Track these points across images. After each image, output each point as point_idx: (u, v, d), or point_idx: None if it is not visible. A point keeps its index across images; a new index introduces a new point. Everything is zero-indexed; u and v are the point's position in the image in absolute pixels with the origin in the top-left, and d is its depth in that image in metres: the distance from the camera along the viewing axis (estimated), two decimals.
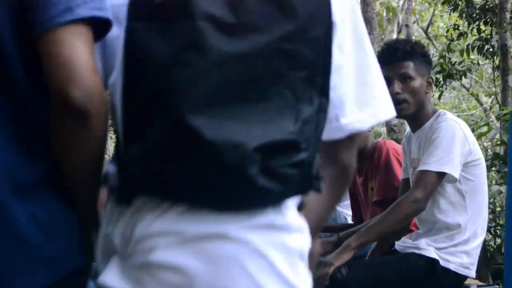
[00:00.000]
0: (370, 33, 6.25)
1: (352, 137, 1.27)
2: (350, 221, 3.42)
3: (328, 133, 1.22)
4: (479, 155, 2.56)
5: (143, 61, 1.06)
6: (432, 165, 2.46)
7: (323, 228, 3.04)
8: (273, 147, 1.08)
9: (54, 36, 1.03)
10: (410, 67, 2.60)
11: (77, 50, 1.04)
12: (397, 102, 2.56)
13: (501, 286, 3.15)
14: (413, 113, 2.62)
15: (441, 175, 2.47)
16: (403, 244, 2.62)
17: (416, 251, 2.53)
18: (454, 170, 2.45)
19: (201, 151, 1.05)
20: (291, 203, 1.16)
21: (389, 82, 2.54)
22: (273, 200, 1.12)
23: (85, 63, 1.04)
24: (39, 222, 1.08)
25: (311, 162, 1.14)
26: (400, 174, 2.83)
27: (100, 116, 1.06)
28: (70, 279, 1.12)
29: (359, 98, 1.26)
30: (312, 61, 1.13)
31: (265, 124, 1.08)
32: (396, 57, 2.60)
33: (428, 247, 2.52)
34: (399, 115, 2.62)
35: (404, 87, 2.58)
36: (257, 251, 1.12)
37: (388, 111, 1.29)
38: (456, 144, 2.49)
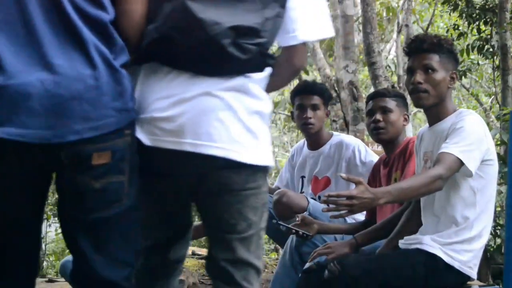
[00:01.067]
0: (370, 33, 6.28)
1: (303, 45, 1.87)
2: (348, 221, 3.44)
3: (287, 41, 1.84)
4: (494, 156, 2.58)
5: None
6: (454, 149, 2.46)
7: (336, 231, 3.25)
8: (241, 29, 1.68)
9: None
10: (434, 59, 2.62)
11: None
12: (418, 91, 2.61)
13: (501, 286, 3.14)
14: (432, 104, 2.64)
15: (460, 163, 2.47)
16: (405, 241, 2.62)
17: (419, 246, 2.53)
18: (471, 163, 2.46)
19: (192, 24, 1.65)
20: (256, 84, 1.77)
21: (412, 71, 2.63)
22: (240, 67, 1.72)
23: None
24: (119, 86, 1.66)
25: (268, 47, 1.76)
26: None
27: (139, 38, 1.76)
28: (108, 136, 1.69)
29: (310, 19, 1.85)
30: None
31: (240, 15, 1.69)
32: (421, 48, 2.64)
33: (432, 243, 2.52)
34: (418, 104, 2.66)
35: (426, 78, 2.60)
36: (228, 105, 1.73)
37: (329, 30, 1.90)
38: (477, 139, 2.51)
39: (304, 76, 8.79)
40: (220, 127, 1.74)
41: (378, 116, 3.11)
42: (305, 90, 3.64)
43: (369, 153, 3.54)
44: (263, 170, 1.86)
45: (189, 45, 1.69)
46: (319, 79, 8.01)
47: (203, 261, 5.31)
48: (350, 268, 2.49)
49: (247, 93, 1.78)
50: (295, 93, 3.70)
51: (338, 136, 3.67)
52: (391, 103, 3.13)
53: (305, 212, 3.33)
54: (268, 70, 1.82)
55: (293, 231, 3.11)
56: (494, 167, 2.59)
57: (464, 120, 2.53)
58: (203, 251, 6.17)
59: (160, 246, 1.94)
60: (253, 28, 1.71)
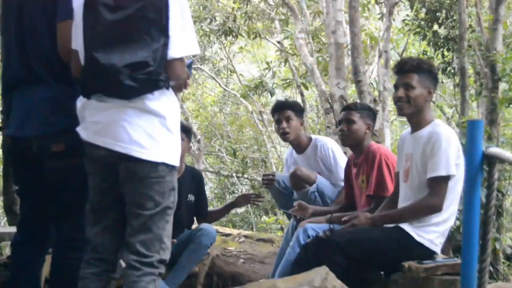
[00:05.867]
0: (357, 57, 6.74)
1: (176, 61, 2.20)
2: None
3: None
4: (462, 159, 2.82)
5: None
6: (443, 170, 2.72)
7: (326, 213, 3.48)
8: (133, 65, 2.08)
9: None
10: (414, 79, 2.85)
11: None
12: (399, 103, 2.90)
13: (459, 257, 3.12)
14: (411, 113, 2.88)
15: (448, 177, 2.75)
16: None
17: (398, 225, 2.88)
18: (453, 170, 2.77)
19: (98, 69, 2.11)
20: (153, 101, 2.17)
21: (396, 88, 2.94)
22: (136, 92, 2.12)
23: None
24: (47, 99, 2.42)
25: (158, 73, 2.13)
26: (388, 175, 3.29)
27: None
28: (60, 133, 2.40)
29: (178, 39, 2.17)
30: (158, 20, 2.14)
31: (131, 53, 2.09)
32: (403, 69, 2.90)
33: (407, 225, 2.85)
34: (400, 113, 2.96)
35: (406, 93, 2.86)
36: (130, 115, 2.16)
37: (194, 48, 2.23)
38: (452, 149, 2.77)
39: (304, 91, 9.18)
40: (123, 131, 2.15)
41: (343, 126, 3.41)
42: (279, 107, 3.97)
43: (339, 151, 3.81)
44: (164, 165, 2.20)
45: (102, 82, 2.13)
46: (316, 93, 8.38)
47: (225, 237, 5.54)
48: (336, 236, 2.83)
49: (144, 108, 2.15)
50: (273, 111, 4.01)
51: (315, 138, 3.96)
52: (355, 116, 3.40)
53: (313, 186, 3.70)
54: (163, 89, 2.19)
55: (292, 216, 3.53)
56: (462, 166, 2.79)
57: (440, 136, 2.74)
58: (225, 229, 6.91)
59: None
60: (142, 62, 2.09)
